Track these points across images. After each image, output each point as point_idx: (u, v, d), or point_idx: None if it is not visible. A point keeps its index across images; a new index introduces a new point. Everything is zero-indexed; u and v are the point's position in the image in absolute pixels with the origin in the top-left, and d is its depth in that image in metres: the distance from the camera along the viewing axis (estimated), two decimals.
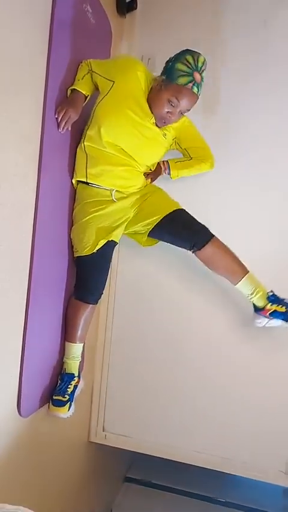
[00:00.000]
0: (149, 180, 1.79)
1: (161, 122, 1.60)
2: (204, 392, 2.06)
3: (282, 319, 1.63)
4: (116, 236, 1.66)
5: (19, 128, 1.30)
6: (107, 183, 1.62)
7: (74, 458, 2.04)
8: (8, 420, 1.38)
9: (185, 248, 1.69)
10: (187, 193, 1.89)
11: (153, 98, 1.57)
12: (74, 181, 1.65)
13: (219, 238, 1.69)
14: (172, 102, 1.52)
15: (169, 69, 1.53)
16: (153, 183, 1.84)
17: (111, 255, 1.71)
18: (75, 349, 1.68)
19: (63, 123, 1.50)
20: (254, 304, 1.70)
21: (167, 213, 1.67)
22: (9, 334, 1.35)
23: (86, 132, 1.61)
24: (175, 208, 1.69)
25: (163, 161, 1.80)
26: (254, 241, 1.97)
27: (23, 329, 1.41)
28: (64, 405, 1.58)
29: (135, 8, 2.15)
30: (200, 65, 1.51)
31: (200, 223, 1.69)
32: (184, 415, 2.09)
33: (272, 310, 1.63)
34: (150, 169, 1.80)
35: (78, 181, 1.66)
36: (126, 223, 1.70)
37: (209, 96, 1.97)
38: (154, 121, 1.60)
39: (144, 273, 2.12)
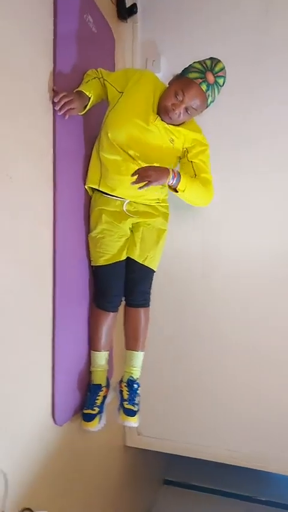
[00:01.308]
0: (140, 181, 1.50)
1: (166, 116, 1.55)
2: (238, 391, 2.05)
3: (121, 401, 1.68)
4: (129, 253, 1.67)
5: (31, 141, 1.32)
6: (118, 193, 1.61)
7: (112, 464, 2.05)
8: (44, 430, 1.40)
9: (123, 295, 1.72)
10: None
11: (163, 93, 1.57)
12: (87, 187, 1.65)
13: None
14: (178, 94, 1.50)
15: (186, 68, 1.54)
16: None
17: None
18: (100, 358, 1.69)
19: (65, 106, 1.42)
20: (130, 375, 1.71)
21: (139, 261, 1.67)
22: (39, 345, 1.37)
23: (99, 141, 1.62)
24: (147, 266, 1.69)
25: (172, 168, 1.56)
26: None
27: (52, 339, 1.43)
28: (94, 418, 1.60)
29: (136, 12, 2.16)
30: (216, 68, 1.50)
31: (149, 289, 1.73)
32: (218, 415, 2.08)
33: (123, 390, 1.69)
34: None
35: (91, 188, 1.66)
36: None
37: None
38: (158, 120, 1.56)
39: (176, 271, 2.12)
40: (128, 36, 2.20)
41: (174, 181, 1.50)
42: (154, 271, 1.73)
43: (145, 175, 1.47)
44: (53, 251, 1.43)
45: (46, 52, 1.43)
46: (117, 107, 1.56)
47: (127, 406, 1.62)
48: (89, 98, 1.54)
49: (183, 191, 1.54)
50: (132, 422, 1.62)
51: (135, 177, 1.48)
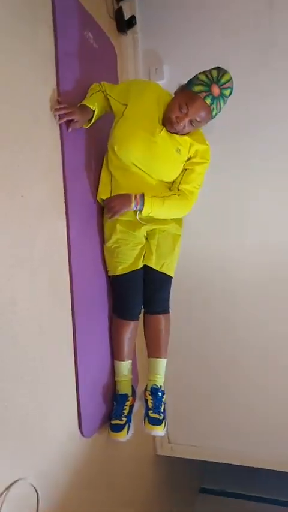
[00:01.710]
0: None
1: (171, 127, 1.56)
2: (268, 393, 2.00)
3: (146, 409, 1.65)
4: (145, 261, 1.66)
5: (42, 160, 1.36)
6: None
7: (143, 474, 2.04)
8: (72, 443, 1.41)
9: (142, 304, 1.71)
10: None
11: (167, 105, 1.58)
12: (98, 199, 1.67)
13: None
14: (182, 108, 1.51)
15: (191, 79, 1.53)
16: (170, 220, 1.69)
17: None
18: (124, 367, 1.69)
19: (64, 117, 1.44)
20: (154, 383, 1.68)
21: (156, 268, 1.66)
22: (61, 359, 1.39)
23: (107, 155, 1.65)
24: (165, 272, 1.68)
25: (135, 194, 1.55)
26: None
27: (73, 353, 1.44)
28: (122, 429, 1.59)
29: (135, 24, 2.19)
30: (222, 80, 1.48)
31: (167, 295, 1.72)
32: (249, 419, 2.04)
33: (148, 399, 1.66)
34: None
35: (103, 199, 1.67)
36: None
37: None
38: (164, 131, 1.57)
39: (196, 277, 2.12)
40: (129, 48, 2.24)
41: (138, 207, 1.55)
42: (172, 278, 1.72)
43: (109, 207, 1.57)
44: (69, 265, 1.45)
45: (50, 71, 1.47)
46: (122, 120, 1.58)
47: (152, 415, 1.60)
48: (93, 111, 1.56)
49: (149, 213, 1.57)
50: (159, 431, 1.59)
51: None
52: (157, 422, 1.59)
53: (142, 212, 1.56)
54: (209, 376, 2.11)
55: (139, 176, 1.59)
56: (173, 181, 1.66)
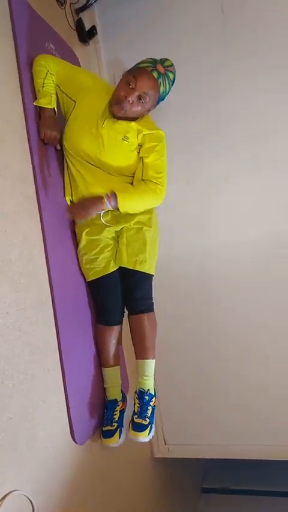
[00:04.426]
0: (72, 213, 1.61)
1: (119, 108, 1.51)
2: (256, 386, 2.02)
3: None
4: (118, 262, 1.64)
5: (12, 171, 1.36)
6: None
7: (142, 477, 2.03)
8: (66, 450, 1.40)
9: (122, 307, 1.70)
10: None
11: (115, 88, 1.56)
12: (67, 198, 1.66)
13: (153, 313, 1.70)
14: (130, 82, 1.49)
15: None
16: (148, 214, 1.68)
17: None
18: (111, 374, 1.67)
19: (51, 143, 1.56)
20: (140, 386, 1.63)
21: (130, 267, 1.63)
22: (48, 369, 1.37)
23: (64, 152, 1.66)
24: (140, 270, 1.64)
25: (106, 193, 1.56)
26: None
27: (59, 360, 1.43)
28: (114, 434, 1.58)
29: (96, 33, 2.23)
30: (166, 63, 1.55)
31: (148, 293, 1.69)
32: (243, 412, 2.05)
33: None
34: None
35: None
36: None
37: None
38: (107, 121, 1.55)
39: (184, 276, 2.13)
40: (92, 58, 2.27)
41: (112, 205, 1.55)
42: (151, 275, 1.69)
43: (75, 212, 1.58)
44: (48, 270, 1.45)
45: (13, 83, 1.48)
46: (71, 120, 1.59)
47: (137, 420, 1.54)
48: (53, 109, 1.57)
49: (126, 210, 1.57)
50: (141, 437, 1.52)
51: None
52: (141, 428, 1.53)
53: (119, 208, 1.54)
54: (199, 374, 2.11)
55: (94, 172, 1.58)
56: (134, 174, 1.64)
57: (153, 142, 1.62)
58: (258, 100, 2.00)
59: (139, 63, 1.56)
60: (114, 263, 1.64)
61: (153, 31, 2.17)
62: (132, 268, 1.63)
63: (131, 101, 1.50)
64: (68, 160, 1.64)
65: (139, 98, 1.51)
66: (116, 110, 1.53)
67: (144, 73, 1.50)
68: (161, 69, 1.51)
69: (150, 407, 1.58)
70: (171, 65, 1.57)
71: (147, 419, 1.55)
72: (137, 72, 1.50)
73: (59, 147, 1.63)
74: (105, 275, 1.62)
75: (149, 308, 1.68)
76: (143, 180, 1.61)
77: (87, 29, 2.21)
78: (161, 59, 1.56)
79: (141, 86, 1.49)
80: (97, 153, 1.57)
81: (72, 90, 1.61)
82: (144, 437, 1.53)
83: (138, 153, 1.64)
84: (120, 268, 1.65)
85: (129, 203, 1.57)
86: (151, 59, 1.56)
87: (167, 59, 1.58)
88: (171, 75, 1.56)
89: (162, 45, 2.15)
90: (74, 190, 1.63)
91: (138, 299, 1.66)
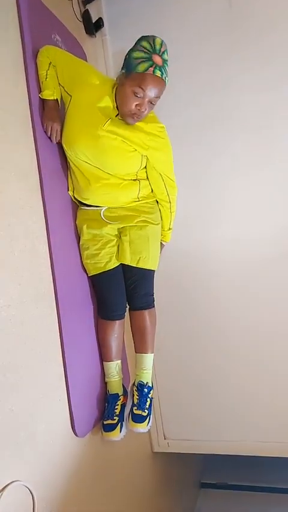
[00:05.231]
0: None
1: (134, 120, 1.48)
2: (256, 380, 2.02)
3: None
4: (121, 259, 1.65)
5: (16, 163, 1.36)
6: (92, 202, 1.63)
7: (142, 472, 2.04)
8: (67, 443, 1.41)
9: (125, 302, 1.71)
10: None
11: (119, 96, 1.47)
12: (70, 193, 1.66)
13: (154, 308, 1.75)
14: (137, 93, 1.40)
15: (127, 61, 1.42)
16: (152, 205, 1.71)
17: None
18: (112, 368, 1.68)
19: (53, 137, 1.54)
20: (140, 378, 1.67)
21: (132, 264, 1.64)
22: (50, 361, 1.38)
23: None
24: (143, 267, 1.65)
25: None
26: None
27: (61, 354, 1.44)
28: (115, 428, 1.59)
29: (103, 26, 2.21)
30: (158, 47, 1.39)
31: (150, 289, 1.72)
32: (243, 407, 2.05)
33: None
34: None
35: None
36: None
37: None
38: (109, 123, 1.50)
39: (185, 272, 2.13)
40: (98, 50, 2.25)
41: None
42: (153, 271, 1.70)
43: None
44: (51, 265, 1.45)
45: (19, 74, 1.47)
46: (68, 116, 1.54)
47: (136, 411, 1.59)
48: (56, 100, 1.57)
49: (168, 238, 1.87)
50: (141, 428, 1.58)
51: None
52: (140, 419, 1.58)
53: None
54: (199, 370, 2.11)
55: (93, 171, 1.56)
56: (135, 173, 1.61)
57: (158, 140, 1.58)
58: (269, 95, 1.97)
59: (134, 64, 1.39)
60: (116, 259, 1.64)
61: (160, 23, 2.14)
62: (135, 266, 1.64)
63: (144, 111, 1.45)
64: (68, 157, 1.62)
65: (150, 102, 1.44)
66: (132, 121, 1.49)
67: (148, 79, 1.38)
68: (158, 60, 1.38)
69: (148, 399, 1.63)
70: (162, 42, 1.41)
71: (146, 410, 1.60)
72: (141, 81, 1.38)
73: (56, 141, 1.58)
74: (107, 270, 1.62)
75: (150, 304, 1.72)
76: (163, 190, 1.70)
77: (94, 21, 2.19)
78: (151, 44, 1.39)
79: (150, 93, 1.41)
80: (96, 155, 1.53)
81: (68, 83, 1.55)
82: (144, 427, 1.59)
83: (138, 152, 1.58)
84: (122, 264, 1.66)
85: (172, 222, 1.82)
86: (142, 51, 1.38)
87: (155, 38, 1.40)
88: (166, 56, 1.42)
89: (169, 37, 2.12)
90: (75, 186, 1.63)
91: (141, 296, 1.68)
